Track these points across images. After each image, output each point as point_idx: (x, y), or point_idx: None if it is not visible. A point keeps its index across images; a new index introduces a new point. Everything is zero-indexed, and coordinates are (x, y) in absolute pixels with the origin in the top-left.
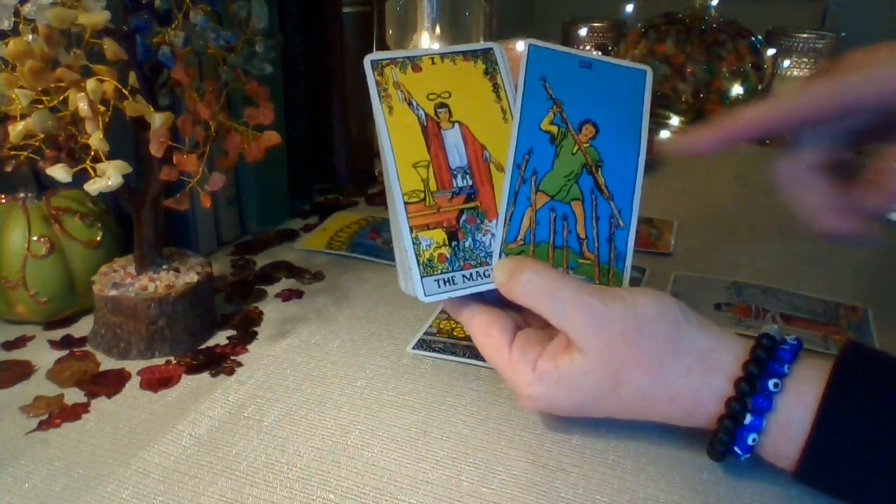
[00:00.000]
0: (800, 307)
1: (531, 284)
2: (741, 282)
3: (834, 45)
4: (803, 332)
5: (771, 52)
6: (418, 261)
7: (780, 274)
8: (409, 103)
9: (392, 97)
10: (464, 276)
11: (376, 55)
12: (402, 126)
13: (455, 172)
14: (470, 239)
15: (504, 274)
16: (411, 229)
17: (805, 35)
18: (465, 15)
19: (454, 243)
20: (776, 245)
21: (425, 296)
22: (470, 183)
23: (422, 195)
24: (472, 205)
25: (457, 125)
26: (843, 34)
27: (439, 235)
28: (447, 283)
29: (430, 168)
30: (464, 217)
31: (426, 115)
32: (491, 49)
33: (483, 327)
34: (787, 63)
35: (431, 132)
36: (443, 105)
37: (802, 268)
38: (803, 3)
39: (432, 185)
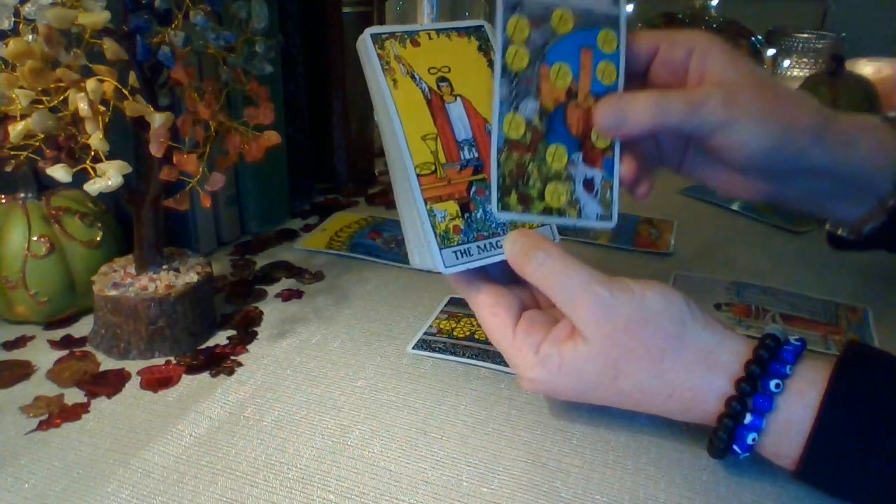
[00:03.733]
0: (800, 307)
1: (544, 267)
2: (741, 282)
3: (834, 45)
4: (803, 332)
5: (771, 52)
6: (435, 233)
7: (780, 274)
8: (412, 76)
9: (395, 70)
10: (478, 247)
11: (376, 29)
12: (407, 99)
13: (462, 145)
14: (481, 210)
15: (515, 248)
16: (426, 201)
17: (805, 35)
18: (465, 15)
19: (466, 215)
20: (776, 245)
21: (445, 267)
22: (476, 155)
23: (433, 167)
24: (480, 177)
25: (459, 99)
26: (843, 34)
27: (452, 207)
28: (464, 255)
29: (439, 140)
30: (474, 189)
31: (429, 88)
32: (482, 26)
33: (488, 306)
34: (787, 63)
35: (436, 105)
36: (444, 79)
37: (802, 268)
38: (803, 3)
39: (441, 158)
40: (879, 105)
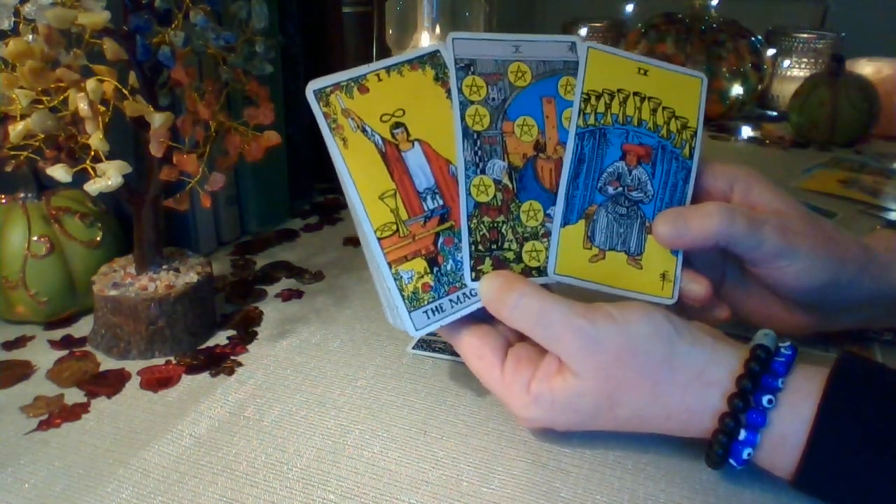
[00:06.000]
0: None
1: (520, 308)
2: None
3: (834, 45)
4: None
5: (771, 52)
6: (403, 296)
7: None
8: (363, 130)
9: (344, 128)
10: (451, 300)
11: (318, 83)
12: (360, 157)
13: (423, 195)
14: (450, 261)
15: (491, 292)
16: (390, 265)
17: (805, 35)
18: (465, 15)
19: (435, 269)
20: None
21: (416, 330)
22: (441, 203)
23: (394, 227)
24: (446, 225)
25: (417, 144)
26: (843, 34)
27: (419, 265)
28: (436, 312)
29: (398, 196)
30: (441, 240)
31: (383, 139)
32: (437, 52)
33: (474, 349)
34: (787, 63)
35: (392, 157)
36: (398, 125)
37: None
38: (803, 3)
39: (402, 214)
40: (879, 105)
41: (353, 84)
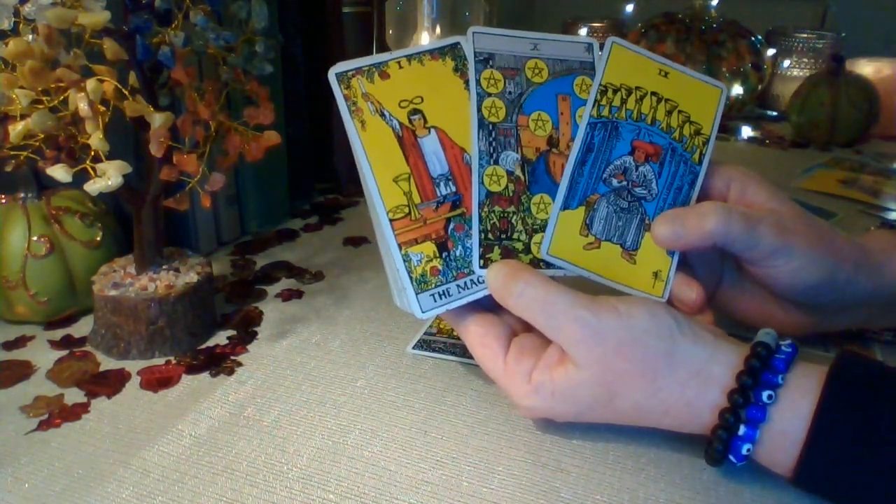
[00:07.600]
0: None
1: (524, 297)
2: None
3: (834, 45)
4: None
5: (771, 52)
6: (411, 277)
7: None
8: (381, 114)
9: (363, 111)
10: (458, 286)
11: (341, 66)
12: (376, 140)
13: (437, 181)
14: (460, 247)
15: (497, 279)
16: (400, 246)
17: (805, 35)
18: (465, 15)
19: (445, 254)
20: None
21: (422, 312)
22: (454, 189)
23: (406, 210)
24: (458, 212)
25: (433, 131)
26: (843, 34)
27: (429, 248)
28: (443, 296)
29: (412, 180)
30: (451, 226)
31: (400, 124)
32: (458, 43)
33: (478, 337)
34: (787, 63)
35: (408, 142)
36: (416, 111)
37: None
38: (803, 3)
39: (415, 198)
40: (879, 105)
41: (374, 70)
